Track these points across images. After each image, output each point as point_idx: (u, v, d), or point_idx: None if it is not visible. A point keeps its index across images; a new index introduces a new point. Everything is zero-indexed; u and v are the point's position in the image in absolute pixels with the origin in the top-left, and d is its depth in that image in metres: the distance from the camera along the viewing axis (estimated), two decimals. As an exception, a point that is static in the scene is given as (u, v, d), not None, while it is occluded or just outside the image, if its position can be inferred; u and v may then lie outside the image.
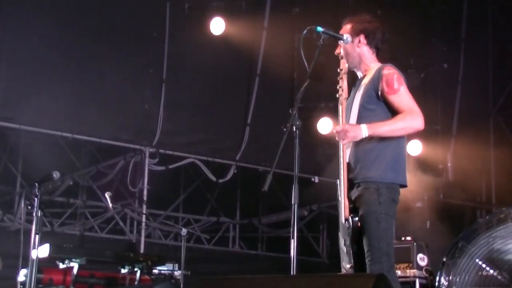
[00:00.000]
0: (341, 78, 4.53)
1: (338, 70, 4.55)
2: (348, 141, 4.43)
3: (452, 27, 10.64)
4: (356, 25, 4.68)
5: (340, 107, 4.54)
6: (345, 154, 4.47)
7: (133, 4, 9.64)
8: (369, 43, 4.66)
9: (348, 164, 4.50)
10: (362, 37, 4.65)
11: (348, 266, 4.43)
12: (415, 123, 4.44)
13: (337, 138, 4.43)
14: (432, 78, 10.48)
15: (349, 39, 4.60)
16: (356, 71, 4.73)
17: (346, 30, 4.69)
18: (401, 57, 9.11)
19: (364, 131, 4.39)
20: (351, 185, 4.48)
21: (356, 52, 4.64)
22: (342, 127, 4.42)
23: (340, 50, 4.65)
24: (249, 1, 10.32)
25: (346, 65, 4.58)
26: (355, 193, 4.45)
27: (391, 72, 4.50)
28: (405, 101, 4.47)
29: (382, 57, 4.74)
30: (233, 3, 10.19)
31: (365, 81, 4.58)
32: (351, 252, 4.40)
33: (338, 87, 4.53)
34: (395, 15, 9.48)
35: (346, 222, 4.40)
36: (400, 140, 4.51)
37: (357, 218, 4.38)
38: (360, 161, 4.46)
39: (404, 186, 4.53)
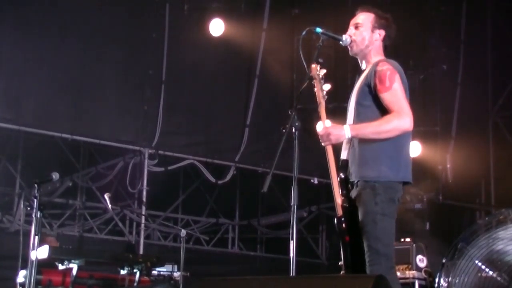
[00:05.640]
0: (313, 83, 4.45)
1: (310, 76, 4.43)
2: (331, 143, 4.38)
3: (452, 28, 10.61)
4: (380, 18, 4.65)
5: (319, 110, 4.49)
6: (330, 155, 4.40)
7: (133, 5, 9.66)
8: (384, 41, 4.63)
9: (347, 162, 4.45)
10: (382, 32, 4.62)
11: (340, 263, 4.45)
12: (402, 124, 4.31)
13: (321, 142, 4.39)
14: (432, 79, 10.45)
15: (348, 40, 4.56)
16: (359, 60, 4.66)
17: (368, 17, 4.62)
18: (400, 58, 9.09)
19: (347, 132, 4.34)
20: (350, 184, 4.43)
21: (371, 41, 4.58)
22: (324, 130, 4.38)
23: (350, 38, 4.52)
24: (249, 2, 10.32)
25: (317, 71, 4.44)
26: (354, 192, 4.40)
27: (384, 68, 4.41)
28: (396, 100, 4.34)
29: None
30: (233, 4, 10.19)
31: (363, 76, 4.53)
32: (341, 250, 4.39)
33: (315, 91, 4.48)
34: (394, 16, 9.45)
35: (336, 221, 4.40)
36: (400, 137, 4.36)
37: (343, 219, 4.34)
38: (357, 160, 4.39)
39: (408, 183, 4.42)
